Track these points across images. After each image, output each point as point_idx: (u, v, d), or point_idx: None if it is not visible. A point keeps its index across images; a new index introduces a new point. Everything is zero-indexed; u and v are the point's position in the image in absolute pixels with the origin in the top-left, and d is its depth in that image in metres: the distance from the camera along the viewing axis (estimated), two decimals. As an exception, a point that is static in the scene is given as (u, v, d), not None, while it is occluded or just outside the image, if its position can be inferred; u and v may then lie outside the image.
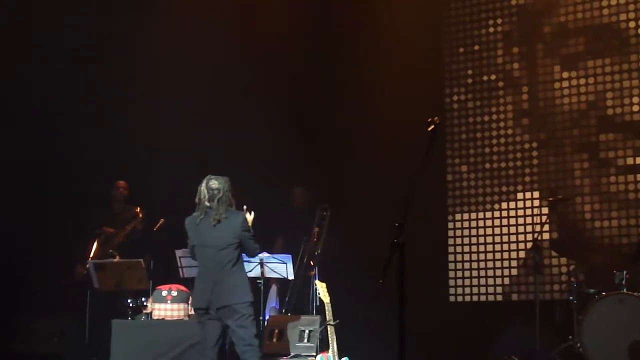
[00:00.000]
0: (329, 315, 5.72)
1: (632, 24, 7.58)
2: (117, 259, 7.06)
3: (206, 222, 5.49)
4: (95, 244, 7.37)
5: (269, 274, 6.92)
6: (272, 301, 7.53)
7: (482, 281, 8.03)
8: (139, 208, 7.57)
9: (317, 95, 8.29)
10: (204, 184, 5.51)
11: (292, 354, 6.35)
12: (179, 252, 6.96)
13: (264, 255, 6.79)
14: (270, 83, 8.12)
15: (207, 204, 5.50)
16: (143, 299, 6.52)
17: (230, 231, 5.48)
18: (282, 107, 8.01)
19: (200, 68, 8.06)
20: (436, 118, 3.82)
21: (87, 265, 7.01)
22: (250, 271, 6.72)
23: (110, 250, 7.30)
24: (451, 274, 8.16)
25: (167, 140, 8.01)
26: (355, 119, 8.20)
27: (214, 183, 5.52)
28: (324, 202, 7.35)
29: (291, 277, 6.91)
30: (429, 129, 3.80)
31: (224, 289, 5.40)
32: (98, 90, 7.86)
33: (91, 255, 7.25)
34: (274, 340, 6.45)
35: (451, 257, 8.18)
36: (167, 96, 7.91)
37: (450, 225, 8.24)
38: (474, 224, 8.16)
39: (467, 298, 8.08)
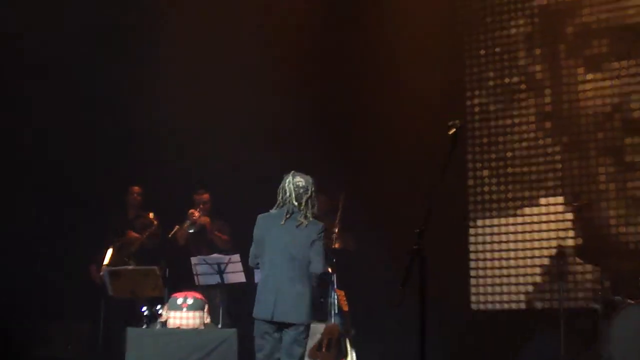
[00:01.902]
0: (347, 324, 5.65)
1: (657, 25, 7.54)
2: (132, 266, 7.10)
3: (291, 224, 5.09)
4: (111, 250, 7.40)
5: None
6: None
7: (505, 289, 8.01)
8: (152, 214, 7.58)
9: (332, 98, 8.32)
10: (289, 180, 5.13)
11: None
12: (194, 260, 6.99)
13: None
14: (288, 84, 8.15)
15: (295, 202, 5.11)
16: (158, 307, 6.51)
17: (307, 239, 5.09)
18: (299, 114, 8.04)
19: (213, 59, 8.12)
20: (457, 121, 3.81)
21: (102, 273, 7.07)
22: None
23: (126, 259, 7.32)
24: (473, 281, 8.12)
25: (183, 143, 8.10)
26: (374, 122, 8.20)
27: (301, 181, 5.14)
28: (340, 192, 7.29)
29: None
30: (450, 133, 3.79)
31: (288, 301, 5.04)
32: (113, 93, 7.96)
33: (106, 262, 7.29)
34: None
35: (473, 264, 8.15)
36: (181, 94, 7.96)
37: (472, 231, 8.21)
38: (496, 230, 8.14)
39: (490, 306, 8.05)
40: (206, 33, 8.02)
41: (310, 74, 8.22)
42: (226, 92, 8.01)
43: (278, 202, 5.15)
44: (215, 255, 7.04)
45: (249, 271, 6.75)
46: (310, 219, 5.10)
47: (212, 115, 7.99)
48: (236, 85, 8.00)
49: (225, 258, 6.95)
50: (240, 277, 6.97)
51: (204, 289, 6.97)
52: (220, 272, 6.99)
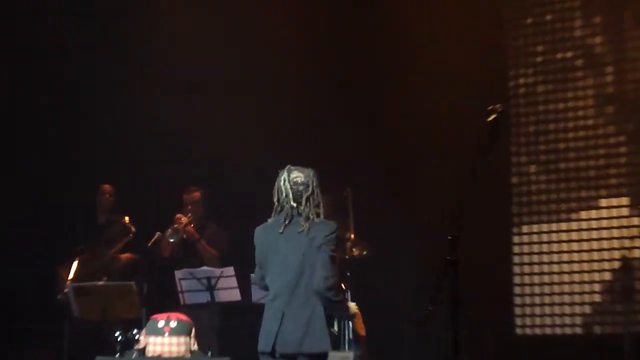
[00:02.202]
0: (365, 354, 5.73)
1: None
2: (102, 282, 7.13)
3: (292, 232, 4.94)
4: (76, 263, 7.36)
5: None
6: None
7: (557, 309, 8.01)
8: (127, 218, 7.60)
9: (357, 80, 8.45)
10: (284, 177, 4.99)
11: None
12: (179, 274, 7.02)
13: None
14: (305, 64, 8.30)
15: (294, 204, 4.96)
16: (135, 331, 6.40)
17: (319, 245, 4.90)
18: (322, 101, 8.20)
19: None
20: (498, 106, 3.83)
21: (66, 290, 7.07)
22: (265, 297, 6.59)
23: (98, 273, 7.38)
24: (517, 299, 8.13)
25: (162, 136, 8.25)
26: (399, 108, 8.27)
27: (299, 176, 5.00)
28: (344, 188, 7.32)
29: None
30: (489, 120, 3.81)
31: (295, 328, 4.85)
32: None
33: (70, 277, 7.28)
34: None
35: (517, 279, 8.16)
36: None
37: (516, 239, 8.22)
38: (545, 237, 8.14)
39: (538, 330, 8.08)
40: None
41: (327, 51, 8.42)
42: (234, 70, 8.27)
43: (275, 207, 5.04)
44: (204, 268, 7.09)
45: (245, 287, 6.81)
46: (315, 219, 4.95)
47: (211, 104, 8.23)
48: (251, 65, 8.28)
49: (217, 271, 7.00)
50: (235, 295, 7.01)
51: (190, 309, 6.93)
52: (211, 289, 7.02)
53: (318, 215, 4.95)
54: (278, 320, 4.82)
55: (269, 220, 5.01)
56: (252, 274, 5.22)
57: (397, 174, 8.21)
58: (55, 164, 8.19)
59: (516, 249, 8.22)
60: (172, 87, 8.20)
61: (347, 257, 7.00)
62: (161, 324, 6.34)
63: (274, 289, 4.92)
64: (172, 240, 7.44)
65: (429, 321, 3.64)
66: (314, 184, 5.00)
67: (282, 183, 5.00)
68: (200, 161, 8.29)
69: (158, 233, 7.36)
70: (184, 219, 7.53)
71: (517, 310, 8.12)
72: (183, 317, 6.50)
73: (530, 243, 8.19)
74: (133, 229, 7.58)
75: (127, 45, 8.21)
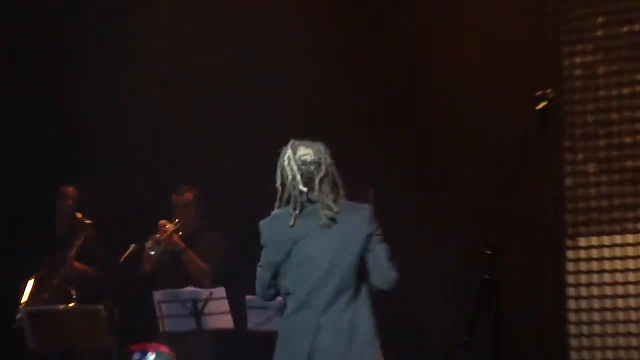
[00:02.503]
0: None
1: None
2: (62, 305, 7.12)
3: (306, 223, 4.77)
4: (31, 283, 7.43)
5: None
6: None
7: (622, 341, 7.93)
8: (79, 214, 7.69)
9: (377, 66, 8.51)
10: (288, 156, 4.81)
11: None
12: (158, 295, 7.08)
13: None
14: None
15: (302, 189, 4.79)
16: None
17: (351, 237, 4.76)
18: (346, 94, 8.35)
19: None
20: (549, 91, 3.88)
21: (19, 316, 7.11)
22: (265, 323, 6.94)
23: (70, 290, 7.37)
24: (572, 329, 8.06)
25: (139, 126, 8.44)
26: (427, 91, 8.28)
27: (307, 153, 4.82)
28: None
29: None
30: (539, 108, 3.86)
31: (337, 340, 4.70)
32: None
33: (24, 299, 7.34)
34: None
35: (572, 304, 8.07)
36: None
37: (571, 254, 8.11)
38: (606, 252, 8.06)
39: None
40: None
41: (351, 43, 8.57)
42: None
43: (279, 194, 4.86)
44: (189, 288, 7.15)
45: (239, 312, 6.94)
46: (336, 208, 4.77)
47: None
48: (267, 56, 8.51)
49: (204, 292, 7.05)
50: (226, 321, 7.09)
51: (172, 339, 7.06)
52: (197, 314, 7.06)
53: (335, 200, 4.78)
54: (310, 334, 4.67)
55: (276, 211, 4.83)
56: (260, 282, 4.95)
57: (427, 175, 8.23)
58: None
59: (570, 267, 8.12)
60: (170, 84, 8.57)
61: None
62: (137, 356, 6.60)
63: (299, 295, 4.74)
64: (152, 252, 7.46)
65: (468, 349, 3.72)
66: (327, 161, 4.83)
67: (286, 163, 4.81)
68: (194, 158, 8.48)
69: (133, 245, 7.38)
70: (169, 226, 7.54)
71: (573, 342, 8.06)
72: (162, 348, 6.73)
73: (588, 259, 8.09)
74: (88, 222, 7.64)
75: (126, 44, 8.60)
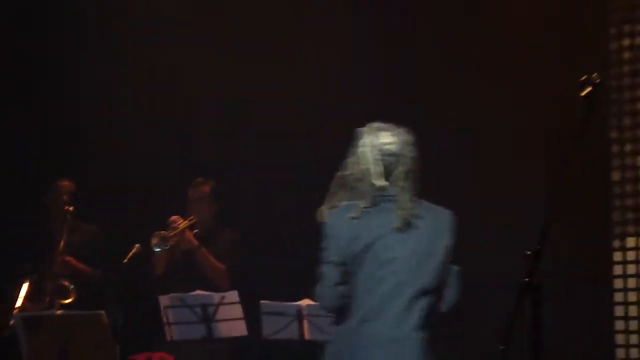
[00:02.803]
0: None
1: None
2: (60, 311, 6.99)
3: (379, 222, 4.41)
4: (25, 286, 7.27)
5: (315, 335, 6.77)
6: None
7: None
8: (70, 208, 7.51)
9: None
10: (369, 141, 4.44)
11: None
12: (164, 300, 6.92)
13: (306, 303, 6.71)
14: None
15: (379, 183, 4.41)
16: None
17: (432, 245, 4.44)
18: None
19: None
20: (595, 75, 3.67)
21: (12, 322, 6.96)
22: (281, 330, 6.68)
23: (67, 285, 7.25)
24: (620, 338, 7.74)
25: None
26: (454, 73, 8.05)
27: (391, 142, 4.44)
28: None
29: None
30: (583, 94, 3.66)
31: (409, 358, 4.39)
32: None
33: (18, 304, 7.19)
34: None
35: (619, 310, 7.77)
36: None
37: (618, 256, 7.83)
38: None
39: None
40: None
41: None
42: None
43: (344, 181, 4.50)
44: (198, 292, 6.96)
45: (253, 318, 6.78)
46: (416, 210, 4.39)
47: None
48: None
49: (216, 297, 6.88)
50: (239, 329, 6.89)
51: (180, 348, 6.89)
52: (208, 320, 6.86)
53: (415, 200, 4.39)
54: (382, 349, 4.31)
55: (342, 203, 4.45)
56: (322, 279, 4.52)
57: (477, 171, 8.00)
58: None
59: (618, 270, 7.84)
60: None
61: None
62: None
63: (367, 304, 4.37)
64: (157, 250, 7.21)
65: (505, 357, 3.53)
66: (412, 154, 4.43)
67: (364, 149, 4.42)
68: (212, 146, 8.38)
69: (137, 245, 7.17)
70: (182, 223, 7.31)
71: (620, 353, 7.75)
72: (167, 357, 6.66)
73: (637, 261, 7.80)
74: (69, 209, 7.45)
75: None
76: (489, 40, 8.03)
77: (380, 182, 4.37)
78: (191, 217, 7.37)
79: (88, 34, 8.55)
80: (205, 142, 8.44)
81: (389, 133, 4.44)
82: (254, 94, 8.34)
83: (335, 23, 8.39)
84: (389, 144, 4.41)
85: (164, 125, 8.52)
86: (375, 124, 4.46)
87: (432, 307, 4.41)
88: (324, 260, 4.41)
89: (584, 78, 3.69)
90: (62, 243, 7.41)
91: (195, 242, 7.31)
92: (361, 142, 4.45)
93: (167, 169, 8.23)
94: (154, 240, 7.20)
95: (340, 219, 4.39)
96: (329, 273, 4.39)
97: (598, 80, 3.67)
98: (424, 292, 4.37)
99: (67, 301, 7.21)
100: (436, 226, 4.45)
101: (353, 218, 4.37)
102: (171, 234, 7.23)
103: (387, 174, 4.39)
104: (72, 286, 7.26)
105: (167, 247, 7.22)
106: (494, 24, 7.99)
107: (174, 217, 7.30)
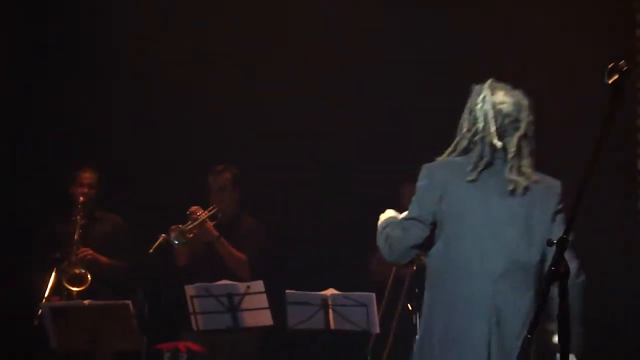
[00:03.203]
0: None
1: None
2: (88, 301, 6.87)
3: (488, 185, 4.18)
4: (53, 276, 7.18)
5: (340, 325, 6.79)
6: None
7: None
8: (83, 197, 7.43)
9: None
10: (485, 97, 4.22)
11: None
12: (190, 290, 6.87)
13: (331, 292, 6.72)
14: None
15: (497, 142, 4.17)
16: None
17: (542, 214, 4.15)
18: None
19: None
20: (622, 63, 3.55)
21: (40, 312, 6.86)
22: (304, 321, 6.68)
23: (79, 273, 7.16)
24: None
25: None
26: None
27: (506, 102, 4.22)
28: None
29: (375, 329, 6.74)
30: (610, 82, 3.54)
31: (516, 322, 4.05)
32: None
33: (46, 294, 7.08)
34: None
35: None
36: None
37: None
38: None
39: None
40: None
41: None
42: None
43: (459, 138, 4.26)
44: (224, 282, 6.90)
45: (279, 307, 6.76)
46: (532, 175, 4.16)
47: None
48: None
49: (241, 287, 6.84)
50: (264, 318, 6.86)
51: (207, 338, 6.89)
52: (233, 309, 6.83)
53: (529, 166, 4.19)
54: (485, 320, 4.03)
55: (451, 157, 4.27)
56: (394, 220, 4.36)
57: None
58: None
59: None
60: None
61: (414, 266, 6.61)
62: (167, 357, 6.54)
63: (468, 266, 4.10)
64: (177, 243, 7.13)
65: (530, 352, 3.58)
66: (529, 118, 4.22)
67: (482, 106, 4.22)
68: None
69: (163, 235, 7.11)
70: (202, 213, 7.25)
71: None
72: (196, 347, 6.66)
73: None
74: (82, 199, 7.35)
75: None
76: (517, 27, 7.90)
77: (498, 143, 4.17)
78: (212, 207, 7.29)
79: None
80: (227, 132, 8.38)
81: (505, 93, 4.26)
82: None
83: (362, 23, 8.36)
84: (504, 103, 4.23)
85: (186, 117, 8.44)
86: (493, 82, 4.28)
87: (534, 277, 4.13)
88: (410, 217, 4.19)
89: (611, 65, 3.59)
90: (76, 234, 7.34)
91: (215, 233, 7.24)
92: (479, 98, 4.25)
93: (193, 159, 8.13)
94: (172, 234, 7.12)
95: (439, 173, 4.21)
96: (413, 231, 4.19)
97: (625, 68, 3.58)
98: (522, 262, 4.13)
99: (79, 289, 7.14)
100: (547, 194, 4.22)
101: (455, 174, 4.18)
102: (189, 226, 7.15)
103: (504, 134, 4.20)
104: (87, 274, 7.18)
105: (185, 241, 7.14)
106: (520, 13, 7.89)
107: (193, 208, 7.22)
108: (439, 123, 7.88)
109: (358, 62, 8.28)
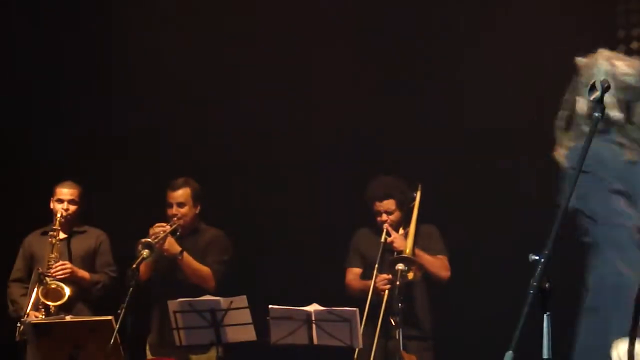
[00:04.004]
0: None
1: None
2: (70, 316, 6.84)
3: (618, 155, 3.83)
4: (37, 288, 7.13)
5: (323, 340, 6.76)
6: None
7: None
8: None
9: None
10: (602, 70, 3.85)
11: None
12: (173, 305, 6.84)
13: (314, 308, 6.69)
14: None
15: (617, 114, 3.82)
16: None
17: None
18: None
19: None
20: (603, 80, 3.58)
21: (21, 327, 6.87)
22: (287, 336, 6.67)
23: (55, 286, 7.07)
24: None
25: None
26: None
27: (628, 73, 3.86)
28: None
29: (358, 344, 6.74)
30: (592, 98, 3.58)
31: None
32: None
33: (28, 308, 7.06)
34: None
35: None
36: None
37: None
38: None
39: None
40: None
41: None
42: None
43: (574, 118, 3.94)
44: (206, 297, 6.87)
45: (261, 321, 6.72)
46: None
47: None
48: None
49: (224, 302, 6.78)
50: (247, 334, 6.80)
51: (190, 353, 7.03)
52: (217, 325, 6.78)
53: None
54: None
55: (575, 144, 3.87)
56: None
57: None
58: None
59: None
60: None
61: (397, 282, 6.72)
62: None
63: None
64: (146, 257, 6.92)
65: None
66: None
67: (604, 67, 3.88)
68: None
69: (146, 250, 6.94)
70: (160, 229, 7.14)
71: None
72: None
73: None
74: (58, 215, 7.25)
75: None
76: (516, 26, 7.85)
77: (618, 115, 3.85)
78: (173, 222, 7.23)
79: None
80: (211, 141, 8.43)
81: (625, 63, 3.91)
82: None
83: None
84: (626, 74, 3.88)
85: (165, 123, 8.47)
86: (607, 52, 3.94)
87: None
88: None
89: (592, 82, 3.56)
90: (53, 249, 7.27)
91: (178, 248, 7.18)
92: (595, 68, 3.91)
93: (175, 171, 7.95)
94: (140, 247, 6.93)
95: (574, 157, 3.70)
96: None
97: (606, 85, 3.54)
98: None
99: (57, 303, 7.06)
100: None
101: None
102: (155, 240, 7.02)
103: (622, 109, 3.88)
104: (63, 289, 7.10)
105: (155, 255, 7.00)
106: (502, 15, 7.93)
107: (156, 225, 7.14)
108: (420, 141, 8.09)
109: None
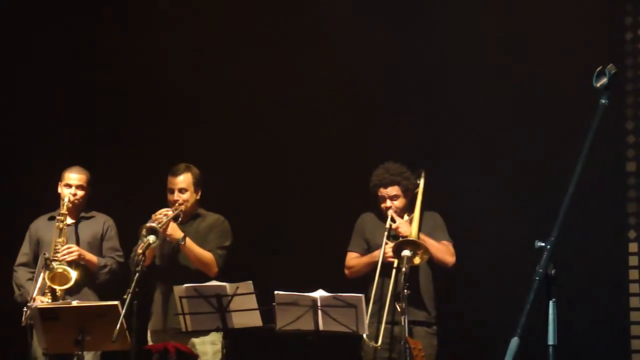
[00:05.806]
0: None
1: None
2: (76, 301, 6.86)
3: None
4: (43, 273, 7.15)
5: (329, 326, 6.76)
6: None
7: None
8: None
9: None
10: None
11: None
12: (179, 290, 6.82)
13: (320, 294, 6.69)
14: None
15: None
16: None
17: None
18: None
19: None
20: (610, 66, 3.65)
21: (27, 312, 6.89)
22: (293, 322, 6.66)
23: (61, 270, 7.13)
24: (636, 344, 7.76)
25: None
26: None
27: None
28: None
29: (364, 330, 6.77)
30: (598, 85, 3.67)
31: None
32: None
33: (34, 293, 7.09)
34: None
35: (635, 316, 7.79)
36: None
37: (633, 247, 7.89)
38: None
39: None
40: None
41: None
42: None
43: None
44: (212, 283, 6.90)
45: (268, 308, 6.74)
46: None
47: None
48: None
49: (230, 287, 6.78)
50: (253, 319, 6.80)
51: (190, 337, 7.03)
52: (222, 310, 6.78)
53: None
54: None
55: None
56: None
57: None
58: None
59: (633, 261, 7.88)
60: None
61: (403, 268, 6.76)
62: (156, 358, 6.54)
63: None
64: (152, 243, 6.95)
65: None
66: None
67: None
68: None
69: (152, 236, 6.98)
70: (163, 214, 7.17)
71: (635, 344, 7.77)
72: (185, 348, 6.67)
73: None
74: (65, 199, 7.32)
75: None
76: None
77: None
78: (175, 207, 7.25)
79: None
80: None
81: None
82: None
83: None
84: None
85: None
86: None
87: None
88: None
89: (599, 69, 3.67)
90: (60, 233, 7.30)
91: (181, 234, 7.20)
92: None
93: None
94: (144, 233, 6.96)
95: None
96: None
97: (614, 71, 3.65)
98: None
99: (63, 287, 7.11)
100: None
101: None
102: (157, 225, 7.02)
103: None
104: (69, 273, 7.15)
105: (159, 241, 6.99)
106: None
107: (159, 211, 7.16)
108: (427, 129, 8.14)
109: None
